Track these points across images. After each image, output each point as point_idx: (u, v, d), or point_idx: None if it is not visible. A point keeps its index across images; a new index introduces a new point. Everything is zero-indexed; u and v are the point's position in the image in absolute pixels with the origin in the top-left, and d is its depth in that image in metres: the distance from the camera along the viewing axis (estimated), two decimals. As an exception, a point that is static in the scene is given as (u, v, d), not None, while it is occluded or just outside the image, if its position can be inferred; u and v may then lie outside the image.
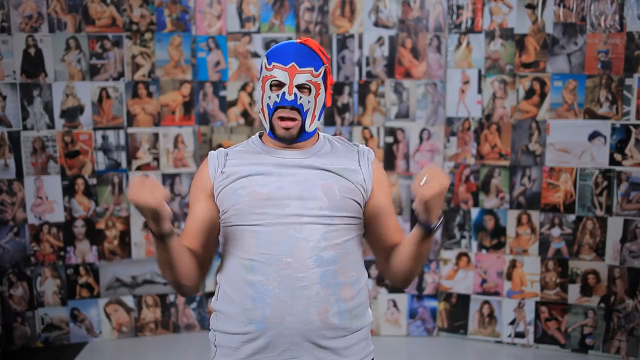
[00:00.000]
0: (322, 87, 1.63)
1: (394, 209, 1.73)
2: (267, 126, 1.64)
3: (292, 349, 1.54)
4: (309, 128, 1.63)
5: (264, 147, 1.67)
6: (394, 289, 3.75)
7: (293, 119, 1.60)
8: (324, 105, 1.66)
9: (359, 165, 1.66)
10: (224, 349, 1.60)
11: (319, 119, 1.65)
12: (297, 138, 1.62)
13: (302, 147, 1.66)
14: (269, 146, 1.66)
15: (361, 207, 1.64)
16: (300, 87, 1.60)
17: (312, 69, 1.60)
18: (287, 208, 1.55)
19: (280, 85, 1.60)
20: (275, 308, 1.52)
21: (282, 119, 1.60)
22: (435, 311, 3.76)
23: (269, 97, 1.60)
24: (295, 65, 1.59)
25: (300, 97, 1.59)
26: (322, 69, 1.62)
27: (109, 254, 3.68)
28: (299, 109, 1.59)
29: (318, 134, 1.71)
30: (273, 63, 1.61)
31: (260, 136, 1.72)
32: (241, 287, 1.56)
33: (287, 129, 1.60)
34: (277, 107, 1.60)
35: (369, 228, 1.69)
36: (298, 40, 1.64)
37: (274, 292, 1.52)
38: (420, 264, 1.65)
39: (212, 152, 1.69)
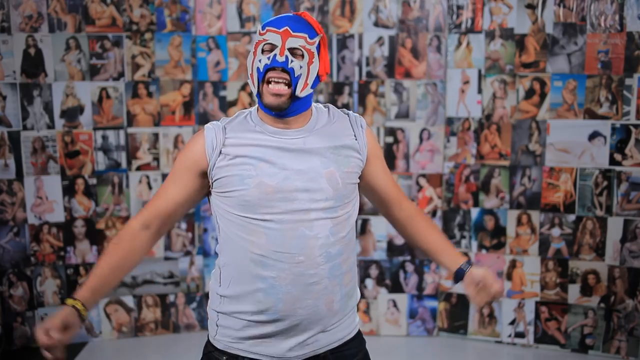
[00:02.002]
0: (316, 56, 1.58)
1: (388, 170, 1.78)
2: (254, 91, 1.58)
3: (299, 333, 1.59)
4: (300, 93, 1.55)
5: (263, 125, 1.60)
6: (394, 289, 3.75)
7: (283, 81, 1.53)
8: (318, 78, 1.61)
9: (354, 136, 1.65)
10: (227, 329, 1.63)
11: (312, 88, 1.58)
12: (286, 108, 1.56)
13: (298, 124, 1.60)
14: (267, 124, 1.60)
15: (357, 182, 1.68)
16: (292, 51, 1.54)
17: (306, 35, 1.55)
18: (295, 201, 1.54)
19: (272, 48, 1.54)
20: (287, 303, 1.56)
21: (272, 81, 1.53)
22: (435, 311, 3.76)
23: (259, 61, 1.54)
24: (289, 29, 1.54)
25: (292, 61, 1.53)
26: (316, 39, 1.57)
27: (109, 254, 3.67)
28: (289, 72, 1.53)
29: (312, 108, 1.66)
30: (266, 28, 1.56)
31: (258, 110, 1.65)
32: (251, 280, 1.57)
33: (277, 95, 1.53)
34: (267, 69, 1.53)
35: (367, 191, 1.76)
36: (294, 12, 1.61)
37: (286, 288, 1.55)
38: None
39: (208, 126, 1.61)
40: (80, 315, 1.53)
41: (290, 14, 1.60)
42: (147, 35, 3.62)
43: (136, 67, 3.63)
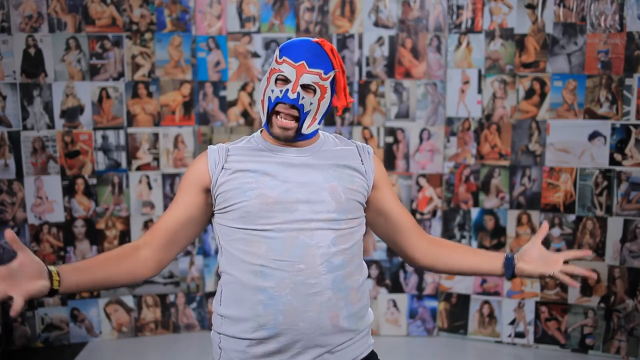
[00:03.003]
0: (329, 91, 1.60)
1: (399, 201, 1.75)
2: (264, 119, 1.60)
3: (304, 352, 1.55)
4: (305, 130, 1.58)
5: (266, 144, 1.63)
6: (394, 289, 3.75)
7: (291, 117, 1.56)
8: (328, 110, 1.64)
9: (361, 160, 1.66)
10: (230, 351, 1.59)
11: (319, 123, 1.61)
12: (292, 139, 1.60)
13: (303, 146, 1.63)
14: (271, 143, 1.63)
15: (363, 204, 1.65)
16: (305, 87, 1.56)
17: (321, 71, 1.57)
18: (296, 212, 1.54)
19: (285, 81, 1.56)
20: (288, 314, 1.52)
21: (280, 114, 1.57)
22: (435, 311, 3.76)
23: (272, 91, 1.57)
24: (305, 64, 1.55)
25: (303, 98, 1.55)
26: (331, 74, 1.59)
27: (109, 254, 3.68)
28: (299, 108, 1.55)
29: (319, 133, 1.69)
30: (284, 57, 1.57)
31: (262, 132, 1.69)
32: (250, 293, 1.54)
33: (284, 128, 1.57)
34: (277, 102, 1.56)
35: (379, 220, 1.72)
36: (315, 40, 1.60)
37: (286, 298, 1.51)
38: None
39: (211, 147, 1.65)
40: (50, 276, 1.40)
41: (311, 42, 1.59)
42: (147, 35, 3.62)
43: (136, 67, 3.63)
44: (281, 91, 1.55)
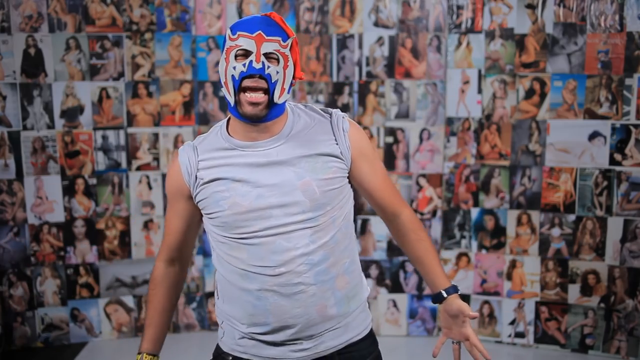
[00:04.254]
0: (290, 59, 1.54)
1: (380, 169, 1.68)
2: (231, 100, 1.52)
3: (298, 341, 1.58)
4: (278, 100, 1.52)
5: (232, 140, 1.58)
6: (394, 289, 3.75)
7: (260, 89, 1.49)
8: (293, 79, 1.58)
9: (335, 140, 1.59)
10: (230, 334, 1.66)
11: (288, 93, 1.54)
12: (265, 116, 1.52)
13: (272, 131, 1.56)
14: (237, 139, 1.57)
15: (343, 184, 1.61)
16: (268, 56, 1.50)
17: (279, 38, 1.51)
18: (271, 218, 1.52)
19: (246, 54, 1.50)
20: (276, 313, 1.55)
21: (249, 89, 1.49)
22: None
23: (234, 68, 1.50)
24: (262, 33, 1.49)
25: (269, 67, 1.49)
26: (289, 41, 1.53)
27: (109, 254, 3.68)
28: (266, 78, 1.49)
29: (286, 108, 1.61)
30: (238, 32, 1.51)
31: (229, 121, 1.62)
32: (240, 293, 1.58)
33: (255, 104, 1.50)
34: (243, 77, 1.49)
35: (364, 193, 1.68)
36: (262, 14, 1.57)
37: (272, 299, 1.54)
38: None
39: (180, 151, 1.62)
40: None
41: (259, 16, 1.54)
42: (147, 35, 3.62)
43: (136, 67, 3.63)
44: (244, 65, 1.49)
